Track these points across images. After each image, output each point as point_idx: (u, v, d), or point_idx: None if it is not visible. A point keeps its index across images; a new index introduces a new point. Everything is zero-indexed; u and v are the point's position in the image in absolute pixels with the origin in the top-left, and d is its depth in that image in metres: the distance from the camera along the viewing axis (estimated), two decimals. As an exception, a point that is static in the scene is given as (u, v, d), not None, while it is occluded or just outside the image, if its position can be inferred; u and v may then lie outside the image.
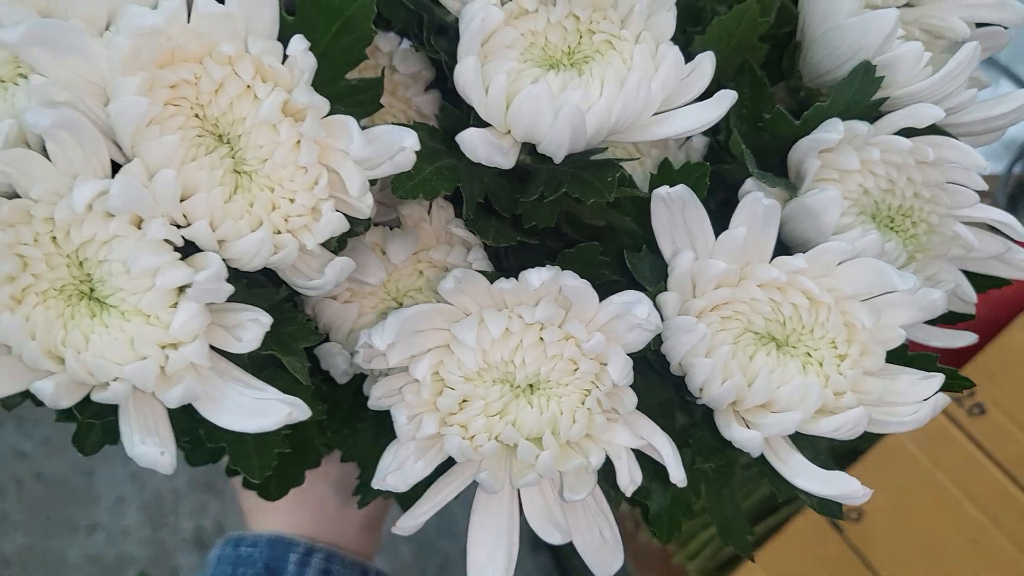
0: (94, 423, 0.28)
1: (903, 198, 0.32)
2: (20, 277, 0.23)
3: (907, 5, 0.34)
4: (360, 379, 0.33)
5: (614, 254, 0.34)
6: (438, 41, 0.32)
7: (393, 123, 0.31)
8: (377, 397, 0.28)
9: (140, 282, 0.23)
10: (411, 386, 0.28)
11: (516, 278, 0.28)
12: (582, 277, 0.29)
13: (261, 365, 0.28)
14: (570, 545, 0.30)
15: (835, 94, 0.30)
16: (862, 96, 0.30)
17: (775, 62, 0.38)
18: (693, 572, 0.88)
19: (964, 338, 0.35)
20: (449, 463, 0.29)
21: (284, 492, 0.36)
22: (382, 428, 0.32)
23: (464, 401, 0.28)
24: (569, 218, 0.36)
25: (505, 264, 0.36)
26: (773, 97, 0.34)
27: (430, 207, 0.34)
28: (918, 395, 0.28)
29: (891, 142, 0.30)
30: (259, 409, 0.23)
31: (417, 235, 0.32)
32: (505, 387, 0.28)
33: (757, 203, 0.27)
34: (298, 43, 0.24)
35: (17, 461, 1.43)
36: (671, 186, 0.29)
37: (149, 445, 0.23)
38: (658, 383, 0.33)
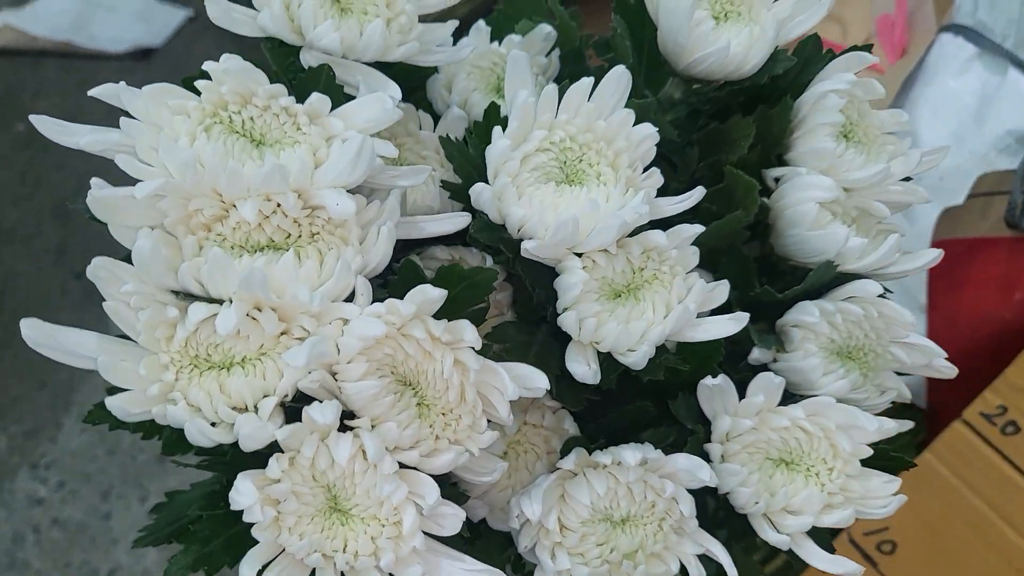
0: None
1: (858, 340, 0.45)
2: (298, 508, 0.34)
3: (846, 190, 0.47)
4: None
5: (652, 395, 0.46)
6: (519, 263, 0.43)
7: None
8: (525, 545, 0.39)
9: (376, 499, 0.35)
10: (544, 531, 0.39)
11: (606, 448, 0.40)
12: (638, 424, 0.42)
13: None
14: None
15: (807, 281, 0.43)
16: (825, 278, 0.43)
17: (750, 229, 0.50)
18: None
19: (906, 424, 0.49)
20: None
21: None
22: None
23: (582, 537, 0.39)
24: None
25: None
26: (755, 271, 0.46)
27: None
28: (887, 492, 0.41)
29: (848, 309, 0.43)
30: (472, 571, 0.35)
31: (517, 409, 0.44)
32: (607, 523, 0.40)
33: (770, 380, 0.40)
34: (467, 329, 0.35)
35: (33, 508, 1.47)
36: (695, 354, 0.42)
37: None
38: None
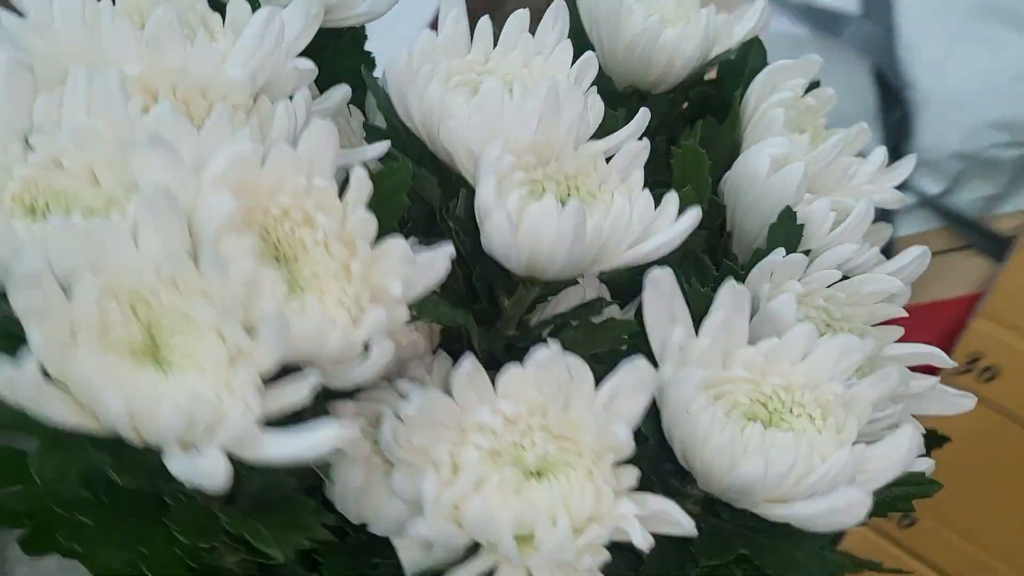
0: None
1: (840, 331, 0.38)
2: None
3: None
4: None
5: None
6: (446, 212, 0.38)
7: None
8: (400, 479, 0.30)
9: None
10: (431, 468, 0.30)
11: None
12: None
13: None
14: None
15: (769, 236, 0.37)
16: (791, 240, 0.38)
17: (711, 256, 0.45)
18: None
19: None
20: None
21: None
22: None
23: (481, 482, 0.30)
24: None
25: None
26: (713, 276, 0.40)
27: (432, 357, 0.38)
28: (901, 450, 0.31)
29: (823, 273, 0.37)
30: (305, 432, 0.25)
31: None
32: (516, 469, 0.30)
33: (732, 289, 0.32)
34: (359, 172, 0.30)
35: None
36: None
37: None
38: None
